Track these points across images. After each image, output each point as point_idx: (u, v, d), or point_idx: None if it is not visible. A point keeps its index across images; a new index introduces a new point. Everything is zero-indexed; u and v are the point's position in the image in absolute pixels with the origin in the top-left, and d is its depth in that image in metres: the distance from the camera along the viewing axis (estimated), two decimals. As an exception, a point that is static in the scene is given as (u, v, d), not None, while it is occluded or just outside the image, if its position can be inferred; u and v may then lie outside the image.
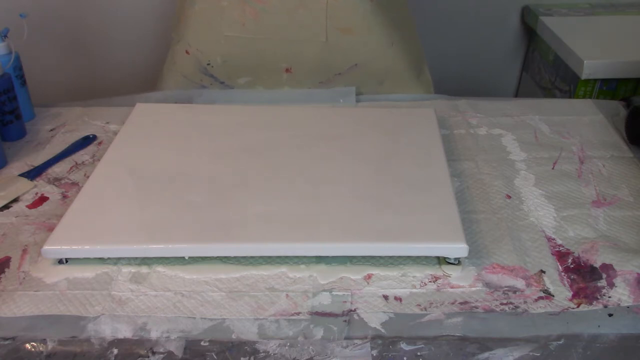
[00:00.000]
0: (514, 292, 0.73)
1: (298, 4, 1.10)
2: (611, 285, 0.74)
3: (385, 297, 0.72)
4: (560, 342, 0.67)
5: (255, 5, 1.10)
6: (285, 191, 0.84)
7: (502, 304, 0.71)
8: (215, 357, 0.66)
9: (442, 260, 0.77)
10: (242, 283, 0.74)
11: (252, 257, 0.77)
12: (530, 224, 0.84)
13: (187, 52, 1.16)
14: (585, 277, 0.75)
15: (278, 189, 0.85)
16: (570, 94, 1.43)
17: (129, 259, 0.77)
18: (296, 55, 1.15)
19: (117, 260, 0.77)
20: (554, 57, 1.51)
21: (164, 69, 1.22)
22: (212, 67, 1.16)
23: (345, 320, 0.69)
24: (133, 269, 0.76)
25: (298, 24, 1.11)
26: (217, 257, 0.77)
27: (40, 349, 0.66)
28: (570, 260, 0.77)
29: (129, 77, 1.64)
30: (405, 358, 0.66)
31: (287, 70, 1.16)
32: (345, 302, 0.72)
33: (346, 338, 0.67)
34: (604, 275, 0.75)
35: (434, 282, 0.74)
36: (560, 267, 0.76)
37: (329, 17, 1.10)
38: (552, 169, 0.95)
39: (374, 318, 0.70)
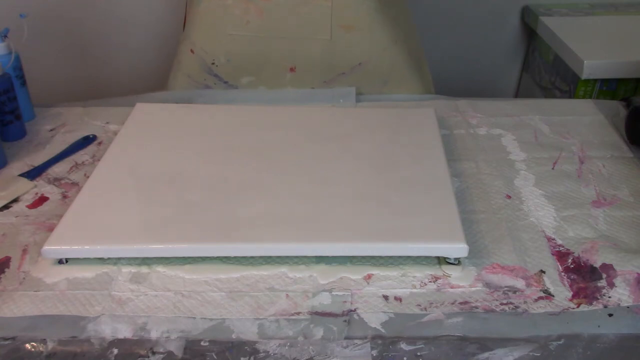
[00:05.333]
0: (514, 292, 0.73)
1: (302, 2, 1.10)
2: (611, 285, 0.74)
3: (385, 297, 0.72)
4: (560, 342, 0.67)
5: (259, 4, 1.10)
6: (285, 191, 0.84)
7: (502, 304, 0.71)
8: (215, 357, 0.66)
9: (442, 260, 0.77)
10: (242, 283, 0.74)
11: (252, 257, 0.77)
12: (530, 224, 0.84)
13: (191, 51, 1.16)
14: (585, 277, 0.75)
15: (278, 189, 0.85)
16: (570, 94, 1.43)
17: (129, 259, 0.77)
18: (300, 54, 1.15)
19: (117, 260, 0.77)
20: (554, 57, 1.51)
21: (171, 69, 1.22)
22: (217, 66, 1.16)
23: (345, 320, 0.69)
24: (133, 269, 0.76)
25: (302, 21, 1.11)
26: (217, 257, 0.77)
27: (40, 349, 0.66)
28: (570, 260, 0.77)
29: (129, 78, 1.64)
30: (405, 358, 0.66)
31: (291, 69, 1.16)
32: (345, 302, 0.72)
33: (346, 338, 0.67)
34: (604, 275, 0.75)
35: (434, 282, 0.74)
36: (560, 267, 0.76)
37: (333, 15, 1.10)
38: (552, 169, 0.95)
39: (374, 318, 0.70)
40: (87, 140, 1.03)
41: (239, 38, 1.13)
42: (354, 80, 1.17)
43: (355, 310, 0.71)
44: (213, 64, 1.16)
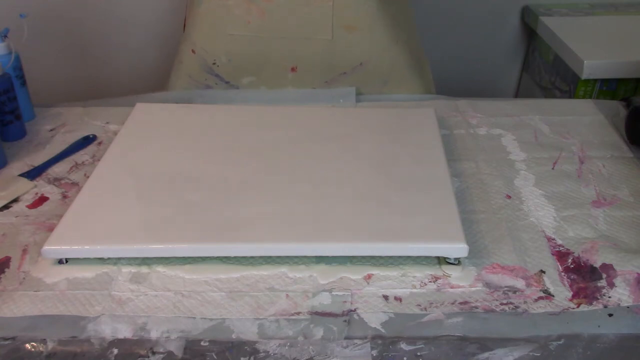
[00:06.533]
0: (514, 292, 0.73)
1: (304, 2, 1.10)
2: (611, 285, 0.74)
3: (385, 297, 0.72)
4: (560, 342, 0.67)
5: (261, 4, 1.10)
6: (285, 191, 0.84)
7: (502, 304, 0.71)
8: (215, 357, 0.66)
9: (442, 260, 0.77)
10: (242, 283, 0.74)
11: (252, 257, 0.77)
12: (530, 224, 0.84)
13: (193, 51, 1.16)
14: (585, 277, 0.75)
15: (278, 189, 0.85)
16: (570, 94, 1.43)
17: (129, 259, 0.77)
18: (302, 54, 1.15)
19: (117, 260, 0.77)
20: (554, 57, 1.51)
21: (172, 69, 1.22)
22: (218, 66, 1.16)
23: (345, 320, 0.69)
24: (133, 269, 0.76)
25: (304, 21, 1.11)
26: (217, 257, 0.77)
27: (40, 349, 0.66)
28: (570, 260, 0.77)
29: (129, 78, 1.64)
30: (405, 358, 0.66)
31: (292, 69, 1.16)
32: (345, 302, 0.72)
33: (346, 338, 0.67)
34: (604, 275, 0.75)
35: (434, 282, 0.74)
36: (560, 267, 0.76)
37: (334, 15, 1.10)
38: (552, 169, 0.95)
39: (374, 318, 0.70)
40: (87, 140, 1.03)
41: (240, 38, 1.13)
42: (355, 80, 1.17)
43: (355, 310, 0.71)
44: (214, 64, 1.16)
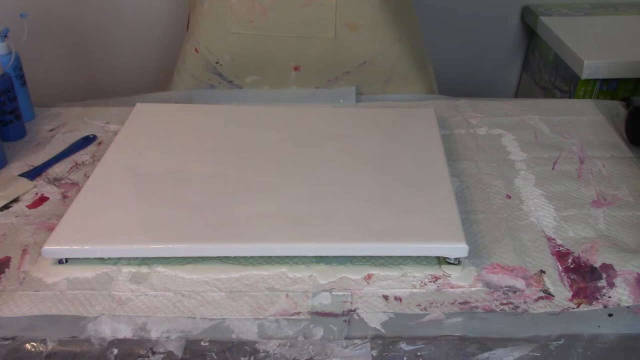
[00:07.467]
0: (514, 292, 0.73)
1: (307, 1, 1.10)
2: (611, 285, 0.74)
3: (385, 297, 0.72)
4: (560, 342, 0.67)
5: (264, 2, 1.10)
6: (285, 191, 0.84)
7: (502, 304, 0.71)
8: (215, 357, 0.66)
9: (442, 260, 0.77)
10: (242, 283, 0.74)
11: (252, 257, 0.77)
12: (530, 224, 0.84)
13: (196, 50, 1.16)
14: (585, 277, 0.75)
15: (278, 189, 0.85)
16: (570, 94, 1.43)
17: (129, 259, 0.77)
18: (305, 53, 1.15)
19: (117, 260, 0.77)
20: (554, 57, 1.51)
21: (175, 69, 1.22)
22: (221, 65, 1.16)
23: (345, 320, 0.69)
24: (133, 269, 0.76)
25: (307, 20, 1.11)
26: (217, 257, 0.77)
27: (40, 349, 0.66)
28: (570, 260, 0.77)
29: (129, 78, 1.64)
30: (405, 358, 0.66)
31: (295, 68, 1.16)
32: (345, 302, 0.72)
33: (346, 338, 0.67)
34: (604, 275, 0.75)
35: (434, 282, 0.74)
36: (560, 267, 0.76)
37: (337, 14, 1.10)
38: (552, 169, 0.95)
39: (374, 318, 0.70)
40: (87, 140, 1.03)
41: (243, 37, 1.13)
42: (358, 78, 1.17)
43: (355, 310, 0.71)
44: (217, 63, 1.16)
